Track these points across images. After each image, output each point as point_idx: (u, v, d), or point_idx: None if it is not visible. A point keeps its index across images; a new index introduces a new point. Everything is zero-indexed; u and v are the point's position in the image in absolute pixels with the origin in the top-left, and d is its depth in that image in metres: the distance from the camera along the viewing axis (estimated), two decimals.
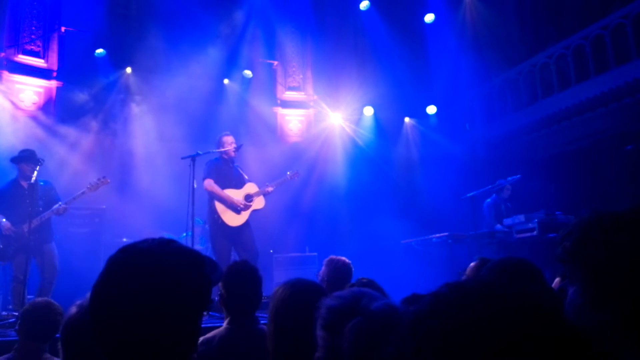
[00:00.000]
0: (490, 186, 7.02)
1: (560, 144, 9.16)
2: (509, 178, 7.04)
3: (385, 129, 9.71)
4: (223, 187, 5.86)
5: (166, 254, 1.01)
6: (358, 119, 9.70)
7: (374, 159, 9.36)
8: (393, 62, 9.21)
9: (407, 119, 9.98)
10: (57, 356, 2.13)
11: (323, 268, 3.69)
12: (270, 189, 5.99)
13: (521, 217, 6.48)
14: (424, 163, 9.43)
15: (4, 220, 5.27)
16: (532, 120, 9.30)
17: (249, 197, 5.93)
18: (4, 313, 5.08)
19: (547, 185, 9.15)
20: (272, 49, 9.44)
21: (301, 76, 9.71)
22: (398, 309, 1.19)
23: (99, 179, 5.43)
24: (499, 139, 9.86)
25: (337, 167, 9.32)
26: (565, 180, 8.81)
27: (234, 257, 6.06)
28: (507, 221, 6.75)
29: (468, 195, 6.73)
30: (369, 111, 9.66)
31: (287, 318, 1.78)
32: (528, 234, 6.31)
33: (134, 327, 0.94)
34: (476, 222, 6.81)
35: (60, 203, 5.38)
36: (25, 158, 5.35)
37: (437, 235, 7.04)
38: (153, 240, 1.04)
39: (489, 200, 7.36)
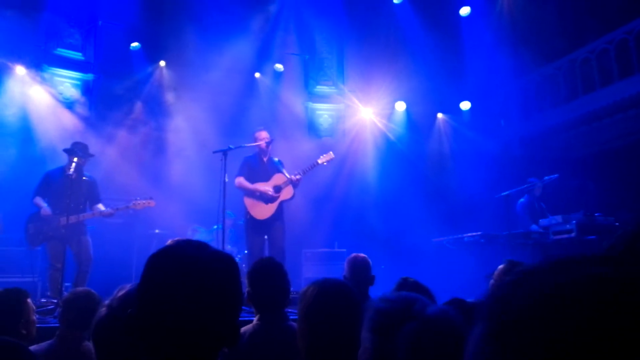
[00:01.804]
0: (525, 185, 6.82)
1: (601, 142, 8.83)
2: (546, 177, 6.82)
3: (417, 125, 9.56)
4: (252, 182, 5.93)
5: (204, 258, 1.06)
6: (389, 114, 9.57)
7: (405, 154, 9.23)
8: (426, 56, 9.03)
9: (439, 115, 9.79)
10: None
11: (345, 266, 3.69)
12: (296, 177, 5.95)
13: (558, 218, 6.27)
14: (457, 160, 9.24)
15: (45, 205, 5.42)
16: (571, 117, 8.99)
17: (277, 188, 5.95)
18: (42, 300, 5.22)
19: (586, 184, 8.83)
20: (303, 42, 9.39)
21: (333, 70, 9.64)
22: (453, 315, 1.18)
23: (145, 200, 5.59)
24: (536, 136, 9.57)
25: (368, 163, 9.23)
26: (605, 180, 8.49)
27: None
28: (544, 222, 6.54)
29: (502, 194, 6.55)
30: (400, 106, 9.52)
31: (318, 318, 1.77)
32: (565, 236, 6.10)
33: (177, 326, 1.00)
34: (510, 222, 6.63)
35: (102, 208, 5.51)
36: (72, 151, 5.49)
37: (470, 234, 6.89)
38: (189, 243, 1.10)
39: (522, 199, 7.16)
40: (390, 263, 7.45)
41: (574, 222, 6.02)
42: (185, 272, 1.03)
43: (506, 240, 6.43)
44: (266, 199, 5.89)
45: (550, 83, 9.53)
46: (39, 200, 5.48)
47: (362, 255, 3.70)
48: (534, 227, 6.72)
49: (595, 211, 6.33)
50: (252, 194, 5.92)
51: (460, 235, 7.07)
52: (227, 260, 1.10)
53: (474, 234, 6.82)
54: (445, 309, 1.19)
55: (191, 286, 1.02)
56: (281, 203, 5.96)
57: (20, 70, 7.48)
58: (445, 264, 7.19)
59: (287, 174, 6.00)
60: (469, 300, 2.22)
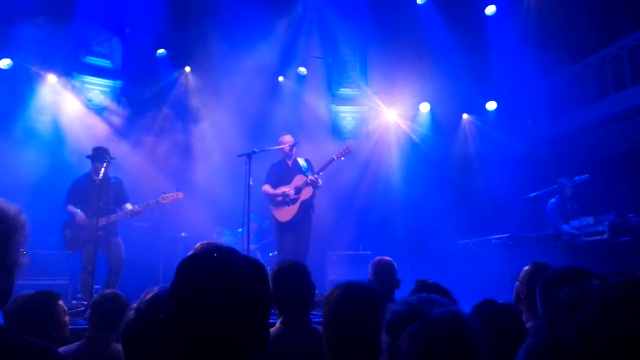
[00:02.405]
0: (555, 186, 6.66)
1: (633, 140, 8.54)
2: (577, 177, 6.65)
3: (442, 126, 9.44)
4: (278, 186, 6.05)
5: (235, 263, 1.09)
6: (414, 116, 9.49)
7: (430, 156, 9.13)
8: (451, 56, 8.91)
9: (465, 115, 9.65)
10: None
11: (369, 270, 3.66)
12: (312, 178, 5.98)
13: (590, 219, 6.10)
14: (483, 161, 9.09)
15: (79, 211, 5.58)
16: (601, 115, 8.73)
17: (297, 189, 6.01)
18: (73, 302, 5.36)
19: (618, 185, 8.56)
20: (326, 45, 9.40)
21: (356, 72, 9.61)
22: (463, 316, 1.14)
23: (173, 192, 5.71)
24: (565, 135, 9.33)
25: (392, 165, 9.17)
26: (637, 180, 8.22)
27: None
28: (574, 223, 6.37)
29: (531, 195, 6.41)
30: (425, 107, 9.43)
31: (343, 321, 1.75)
32: (597, 237, 5.93)
33: (208, 331, 1.03)
34: (539, 223, 6.48)
35: (129, 205, 5.65)
36: (95, 156, 5.65)
37: (497, 236, 6.77)
38: (219, 249, 1.13)
39: (553, 200, 7.00)
40: (416, 266, 7.38)
41: (606, 223, 5.85)
42: (216, 278, 1.06)
43: (535, 241, 6.29)
44: (287, 201, 5.99)
45: (580, 81, 9.28)
46: (71, 208, 5.64)
47: (387, 258, 3.67)
48: (565, 227, 6.55)
49: (628, 212, 6.13)
50: (275, 199, 6.04)
51: (487, 237, 6.95)
52: (256, 265, 1.13)
53: (501, 235, 6.70)
54: (456, 311, 1.16)
55: (222, 291, 1.04)
56: (303, 204, 6.00)
57: (52, 78, 7.71)
58: (472, 266, 7.08)
59: (309, 175, 6.05)
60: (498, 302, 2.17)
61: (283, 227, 6.07)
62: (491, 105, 9.47)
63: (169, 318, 1.06)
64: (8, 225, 1.22)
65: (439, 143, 9.32)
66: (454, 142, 9.51)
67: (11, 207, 1.25)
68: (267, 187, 6.12)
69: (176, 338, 1.05)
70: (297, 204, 6.01)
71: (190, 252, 3.17)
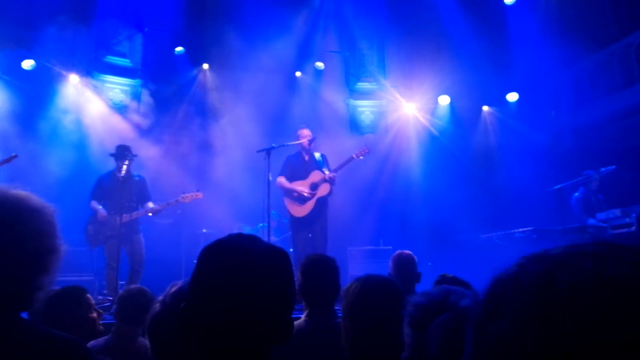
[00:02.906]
0: (580, 178, 6.51)
1: None
2: (602, 169, 6.50)
3: (462, 119, 9.31)
4: (294, 180, 6.02)
5: (257, 251, 1.04)
6: (433, 109, 9.37)
7: (450, 149, 9.02)
8: (470, 47, 8.77)
9: (485, 107, 9.50)
10: None
11: (390, 264, 3.64)
12: (330, 175, 5.95)
13: (617, 212, 5.95)
14: (504, 153, 8.94)
15: (101, 207, 5.69)
16: (627, 104, 8.49)
17: (313, 186, 5.99)
18: (99, 297, 5.46)
19: None
20: (343, 39, 9.35)
21: (373, 66, 9.54)
22: None
23: (193, 192, 5.78)
24: (589, 126, 9.11)
25: (411, 159, 9.09)
26: None
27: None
28: (601, 216, 6.23)
29: (555, 187, 6.29)
30: (444, 100, 9.31)
31: (361, 314, 1.75)
32: (625, 230, 5.78)
33: (229, 320, 0.99)
34: (564, 216, 6.35)
35: (151, 203, 5.73)
36: (118, 154, 5.75)
37: (521, 229, 6.66)
38: (242, 236, 1.08)
39: (577, 193, 6.85)
40: (437, 260, 7.31)
41: (634, 215, 5.70)
42: (237, 266, 1.02)
43: (560, 235, 6.17)
44: (303, 197, 5.97)
45: (604, 70, 9.04)
46: (94, 204, 5.76)
47: (407, 252, 3.65)
48: (590, 221, 6.41)
49: None
50: (290, 194, 6.03)
51: (510, 231, 6.85)
52: (280, 253, 1.08)
53: (525, 229, 6.59)
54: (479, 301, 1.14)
55: (244, 280, 1.01)
56: (320, 200, 5.99)
57: (74, 78, 7.84)
58: (495, 260, 6.94)
59: (326, 171, 6.03)
60: None
61: (298, 224, 6.05)
62: (512, 97, 9.29)
63: (190, 307, 1.04)
64: (44, 219, 1.23)
65: (459, 136, 9.19)
66: (474, 134, 9.37)
67: (42, 203, 1.27)
68: (282, 180, 6.09)
69: (196, 327, 1.02)
70: (314, 200, 5.99)
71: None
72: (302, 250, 5.95)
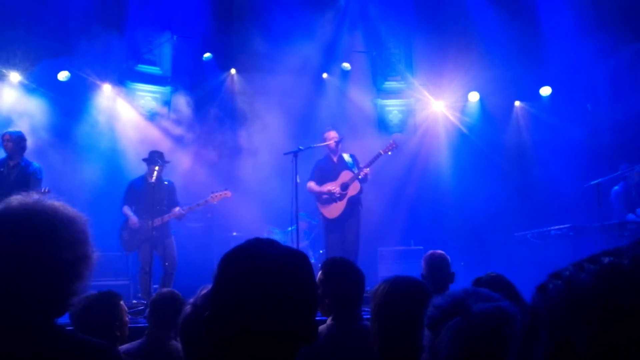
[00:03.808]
0: (619, 172, 6.28)
1: None
2: None
3: (493, 115, 9.10)
4: (322, 183, 6.03)
5: (277, 255, 1.04)
6: (462, 106, 9.20)
7: (481, 147, 8.83)
8: (500, 42, 8.56)
9: (517, 103, 9.26)
10: None
11: (422, 264, 3.59)
12: (364, 171, 5.92)
13: None
14: (538, 149, 8.70)
15: (132, 214, 5.82)
16: None
17: (344, 186, 5.98)
18: (134, 301, 5.59)
19: None
20: (370, 39, 9.29)
21: (401, 64, 9.44)
22: (508, 312, 1.09)
23: (221, 192, 5.86)
24: (627, 119, 8.75)
25: (441, 157, 8.95)
26: None
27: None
28: None
29: (592, 183, 6.08)
30: (474, 97, 9.12)
31: (390, 316, 1.74)
32: None
33: (253, 325, 0.99)
34: (603, 212, 6.13)
35: (179, 208, 5.84)
36: (150, 159, 5.89)
37: (557, 227, 6.47)
38: (261, 241, 1.08)
39: (616, 187, 6.61)
40: (470, 260, 7.18)
41: None
42: (257, 270, 1.02)
43: (599, 232, 5.97)
44: (334, 197, 5.96)
45: None
46: (126, 210, 5.90)
47: (440, 252, 3.59)
48: (630, 216, 6.17)
49: None
50: (320, 197, 6.07)
51: (545, 229, 6.67)
52: (299, 256, 1.08)
53: (561, 226, 6.40)
54: (500, 306, 1.09)
55: (264, 285, 1.01)
56: (351, 200, 5.96)
57: (107, 88, 8.07)
58: (530, 259, 6.80)
59: (356, 170, 6.02)
60: None
61: (330, 225, 6.06)
62: (545, 91, 9.02)
63: (213, 314, 1.04)
64: (78, 228, 1.26)
65: (490, 133, 8.99)
66: (505, 131, 9.14)
67: (76, 212, 1.29)
68: (312, 184, 6.13)
69: (221, 334, 1.03)
70: (345, 200, 5.98)
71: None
72: (334, 252, 5.94)
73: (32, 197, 1.25)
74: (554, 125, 8.65)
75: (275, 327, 1.00)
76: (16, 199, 1.24)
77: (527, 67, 8.61)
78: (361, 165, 6.05)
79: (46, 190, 5.15)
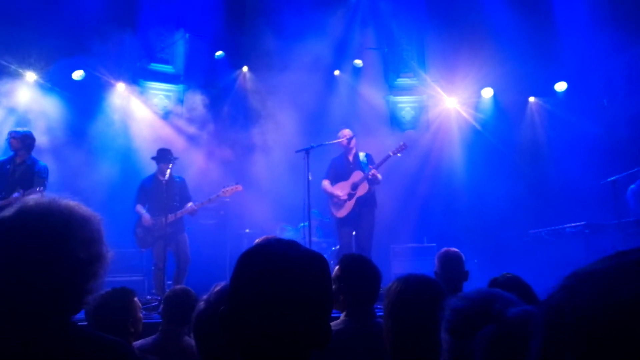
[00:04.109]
0: (637, 168, 6.17)
1: None
2: None
3: (507, 111, 9.00)
4: (338, 181, 6.06)
5: (295, 256, 1.05)
6: (476, 102, 9.12)
7: (494, 144, 8.74)
8: (514, 37, 8.45)
9: (531, 99, 9.14)
10: None
11: (435, 262, 3.56)
12: (372, 172, 5.91)
13: None
14: (553, 146, 8.59)
15: (145, 212, 5.88)
16: None
17: (354, 186, 6.00)
18: (148, 297, 5.65)
19: None
20: (381, 35, 9.24)
21: (413, 61, 9.37)
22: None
23: (233, 186, 5.89)
24: None
25: (454, 154, 8.88)
26: None
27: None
28: None
29: (609, 179, 5.99)
30: (488, 93, 9.03)
31: (402, 314, 1.74)
32: None
33: (268, 325, 1.00)
34: (619, 210, 6.04)
35: (191, 203, 5.89)
36: (160, 157, 5.95)
37: (572, 224, 6.38)
38: (280, 241, 1.09)
39: (633, 186, 6.49)
40: (484, 257, 7.13)
41: None
42: (275, 271, 1.03)
43: (615, 229, 5.88)
44: (340, 202, 6.03)
45: None
46: (139, 208, 5.97)
47: (454, 249, 3.56)
48: None
49: None
50: (332, 198, 6.18)
51: (560, 226, 6.58)
52: (317, 258, 1.09)
53: (576, 224, 6.31)
54: (529, 310, 1.06)
55: (282, 285, 1.01)
56: (360, 200, 5.98)
57: (120, 86, 8.14)
58: (545, 257, 6.72)
59: (361, 174, 6.04)
60: None
61: (341, 221, 6.13)
62: (561, 86, 8.90)
63: (229, 312, 1.05)
64: (93, 227, 1.27)
65: (504, 129, 8.89)
66: (520, 127, 9.04)
67: (90, 212, 1.31)
68: (326, 184, 6.19)
69: (236, 332, 1.04)
70: (353, 200, 6.01)
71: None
72: (347, 247, 6.00)
73: (48, 196, 1.27)
74: (569, 121, 8.53)
75: (290, 328, 1.01)
76: (32, 199, 1.26)
77: (542, 62, 8.49)
78: (370, 166, 6.04)
79: (40, 190, 5.25)
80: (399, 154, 6.03)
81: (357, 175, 6.08)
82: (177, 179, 6.08)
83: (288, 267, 1.03)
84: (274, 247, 1.07)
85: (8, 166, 5.36)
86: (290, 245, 1.09)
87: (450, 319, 1.19)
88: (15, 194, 5.08)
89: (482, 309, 1.13)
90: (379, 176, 6.00)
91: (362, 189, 6.01)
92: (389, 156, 5.99)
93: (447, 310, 1.22)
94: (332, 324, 2.30)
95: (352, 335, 2.25)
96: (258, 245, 1.10)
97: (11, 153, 5.46)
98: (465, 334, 1.12)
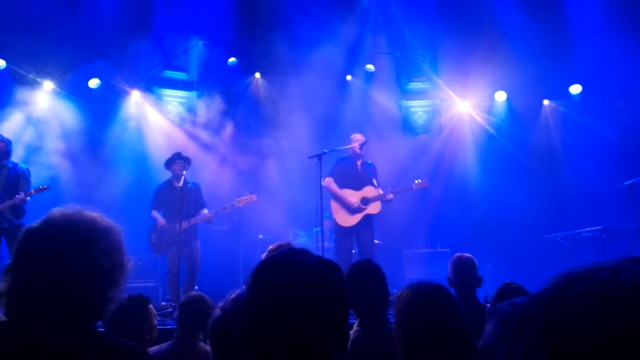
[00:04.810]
0: None
1: None
2: None
3: (521, 115, 8.92)
4: (343, 186, 5.96)
5: (310, 265, 1.08)
6: (489, 106, 9.05)
7: (508, 148, 8.67)
8: (527, 40, 8.38)
9: (546, 102, 9.05)
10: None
11: (449, 267, 3.54)
12: (390, 196, 5.87)
13: None
14: (568, 149, 8.48)
15: (159, 217, 5.94)
16: None
17: (365, 201, 5.92)
18: (162, 303, 5.68)
19: None
20: (393, 40, 9.24)
21: (425, 65, 9.35)
22: None
23: (247, 196, 5.92)
24: None
25: (467, 158, 8.82)
26: None
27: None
28: None
29: (625, 183, 5.90)
30: (501, 96, 8.97)
31: (413, 323, 1.73)
32: None
33: (287, 334, 1.03)
34: (636, 214, 5.95)
35: (206, 210, 5.91)
36: (168, 161, 6.02)
37: (588, 229, 6.30)
38: (294, 251, 1.13)
39: None
40: (498, 263, 7.06)
41: None
42: (291, 281, 1.05)
43: (632, 234, 5.80)
44: (352, 209, 5.89)
45: None
46: (155, 214, 6.03)
47: (467, 255, 3.54)
48: None
49: None
50: (339, 199, 5.96)
51: (577, 231, 6.50)
52: (332, 266, 1.12)
53: (593, 228, 6.23)
54: None
55: (298, 295, 1.04)
56: (367, 215, 5.90)
57: (135, 94, 8.26)
58: (560, 262, 6.64)
59: (376, 188, 5.94)
60: None
61: (343, 230, 5.99)
62: (575, 89, 8.80)
63: (248, 322, 1.08)
64: (115, 237, 1.31)
65: (518, 133, 8.81)
66: (534, 131, 8.95)
67: (112, 223, 1.35)
68: (331, 182, 5.99)
69: (255, 342, 1.06)
70: (362, 215, 5.90)
71: (264, 255, 3.23)
72: (347, 256, 5.87)
73: (73, 208, 1.32)
74: (584, 124, 8.43)
75: (308, 335, 1.03)
76: (58, 210, 1.30)
77: (556, 64, 8.41)
78: (389, 189, 5.99)
79: (45, 187, 5.37)
80: (418, 188, 6.06)
81: (370, 192, 5.95)
82: (192, 185, 6.13)
83: (303, 275, 1.05)
84: (288, 257, 1.10)
85: None
86: (304, 253, 1.12)
87: (504, 323, 1.20)
88: (18, 196, 5.19)
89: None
90: (392, 198, 5.96)
91: (375, 208, 5.91)
92: (410, 188, 6.01)
93: (498, 316, 1.22)
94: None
95: (366, 343, 2.25)
96: (272, 257, 1.12)
97: None
98: (513, 337, 1.13)
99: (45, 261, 1.21)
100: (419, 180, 6.03)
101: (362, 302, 2.37)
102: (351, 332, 2.34)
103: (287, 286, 1.04)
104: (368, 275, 2.44)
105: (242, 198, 5.97)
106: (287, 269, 1.07)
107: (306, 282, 1.05)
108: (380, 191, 5.96)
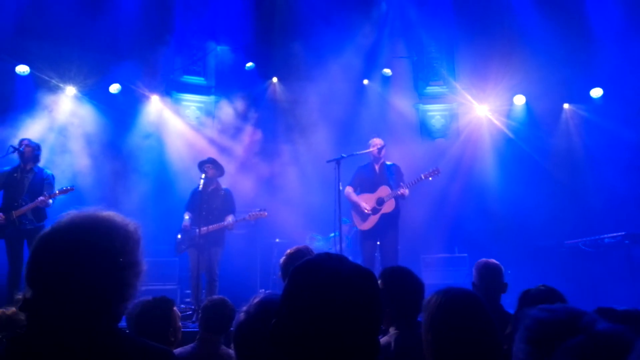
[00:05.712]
0: None
1: None
2: None
3: (540, 119, 8.81)
4: (361, 191, 6.07)
5: (346, 272, 1.07)
6: (508, 110, 8.96)
7: (528, 152, 8.57)
8: (548, 43, 8.29)
9: (566, 106, 8.93)
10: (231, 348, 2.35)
11: (474, 272, 3.50)
12: (402, 191, 5.86)
13: None
14: (589, 153, 8.34)
15: (187, 218, 5.97)
16: None
17: (380, 201, 5.93)
18: (182, 306, 5.72)
19: None
20: (411, 44, 9.22)
21: (443, 69, 9.30)
22: (627, 334, 1.05)
23: (259, 211, 5.94)
24: None
25: (486, 163, 8.74)
26: None
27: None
28: None
29: None
30: (520, 100, 8.87)
31: (442, 328, 1.72)
32: None
33: (319, 340, 1.02)
34: None
35: (231, 217, 5.90)
36: (199, 164, 6.07)
37: (611, 235, 6.19)
38: (330, 256, 1.12)
39: None
40: (517, 268, 6.96)
41: None
42: (327, 286, 1.05)
43: None
44: (364, 214, 5.96)
45: None
46: (185, 214, 6.07)
47: (494, 261, 3.51)
48: None
49: None
50: (355, 206, 6.09)
51: (599, 237, 6.39)
52: (367, 275, 1.11)
53: (616, 234, 6.12)
54: (618, 327, 1.06)
55: (333, 300, 1.03)
56: (385, 215, 5.91)
57: (155, 98, 8.37)
58: (582, 269, 6.53)
59: (392, 187, 5.95)
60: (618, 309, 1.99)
61: (364, 234, 6.06)
62: (596, 92, 8.67)
63: (280, 324, 1.07)
64: (133, 237, 1.33)
65: (537, 137, 8.70)
66: (554, 135, 8.82)
67: (131, 223, 1.36)
68: (349, 191, 6.14)
69: (288, 345, 1.06)
70: (378, 215, 5.93)
71: (282, 259, 3.22)
72: (370, 260, 5.92)
73: (91, 209, 1.33)
74: (606, 128, 8.29)
75: (339, 344, 1.02)
76: (68, 214, 1.32)
77: (576, 68, 8.29)
78: (401, 184, 5.98)
79: (69, 189, 5.47)
80: (430, 178, 6.00)
81: (383, 191, 6.00)
82: (223, 191, 6.11)
83: (339, 283, 1.05)
84: (326, 263, 1.09)
85: (15, 174, 5.56)
86: (339, 260, 1.11)
87: (532, 329, 1.20)
88: (40, 198, 5.28)
89: (568, 321, 1.14)
90: (407, 193, 5.94)
91: (389, 207, 5.94)
92: (420, 179, 5.98)
93: (528, 321, 1.22)
94: (385, 337, 2.31)
95: (398, 347, 2.24)
96: (310, 261, 1.12)
97: (16, 163, 5.62)
98: (548, 345, 1.12)
99: (70, 260, 1.22)
100: (425, 172, 5.99)
101: (395, 306, 2.36)
102: (388, 337, 2.34)
103: (323, 295, 1.04)
104: (402, 280, 2.43)
105: (253, 213, 6.00)
106: (324, 277, 1.06)
107: (342, 291, 1.04)
108: (392, 190, 5.97)
